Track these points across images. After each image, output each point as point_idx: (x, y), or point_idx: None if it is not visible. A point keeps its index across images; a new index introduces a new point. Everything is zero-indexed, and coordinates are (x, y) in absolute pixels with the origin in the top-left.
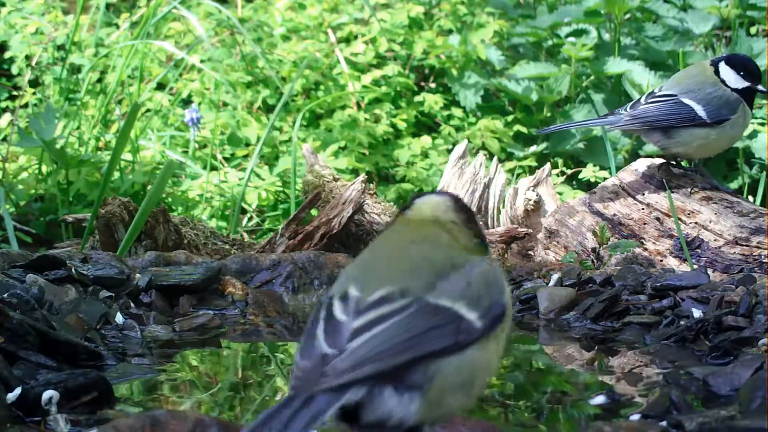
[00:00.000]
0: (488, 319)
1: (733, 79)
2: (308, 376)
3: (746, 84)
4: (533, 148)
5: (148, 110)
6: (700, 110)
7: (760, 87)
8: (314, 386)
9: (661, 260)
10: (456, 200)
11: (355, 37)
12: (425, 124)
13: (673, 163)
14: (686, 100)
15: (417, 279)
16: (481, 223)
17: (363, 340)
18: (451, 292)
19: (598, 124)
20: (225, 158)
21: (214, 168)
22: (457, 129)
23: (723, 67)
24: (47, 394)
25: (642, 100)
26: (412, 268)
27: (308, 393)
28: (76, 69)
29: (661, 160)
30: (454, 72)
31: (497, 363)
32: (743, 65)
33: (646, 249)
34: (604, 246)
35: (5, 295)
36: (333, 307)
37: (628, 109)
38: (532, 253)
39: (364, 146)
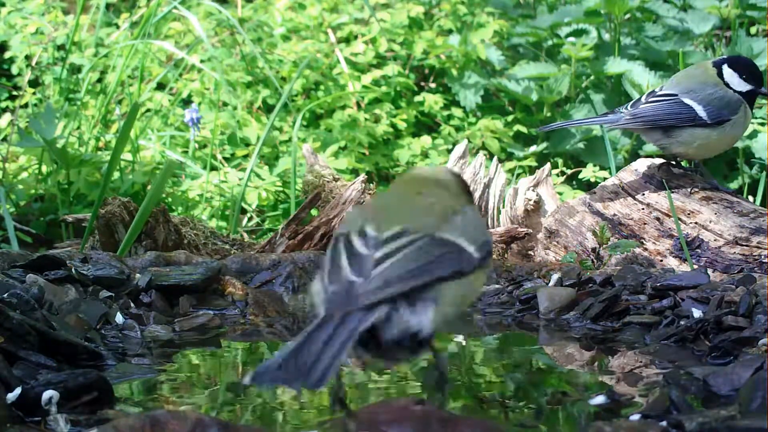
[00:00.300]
0: (483, 251)
1: (736, 81)
2: (340, 299)
3: (750, 87)
4: (533, 148)
5: (148, 110)
6: (700, 111)
7: (763, 90)
8: (348, 306)
9: (661, 260)
10: (452, 171)
11: (355, 37)
12: (425, 124)
13: (673, 163)
14: (687, 100)
15: (425, 219)
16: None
17: (386, 266)
18: (453, 230)
19: (598, 122)
20: (225, 158)
21: (214, 168)
22: (457, 129)
23: (726, 70)
24: (47, 394)
25: (643, 99)
26: (419, 211)
27: (343, 311)
28: (76, 69)
29: (661, 160)
30: (454, 72)
31: (483, 284)
32: (746, 68)
33: (646, 249)
34: (604, 246)
35: (5, 295)
36: (352, 242)
37: (629, 107)
38: (532, 253)
39: (364, 146)
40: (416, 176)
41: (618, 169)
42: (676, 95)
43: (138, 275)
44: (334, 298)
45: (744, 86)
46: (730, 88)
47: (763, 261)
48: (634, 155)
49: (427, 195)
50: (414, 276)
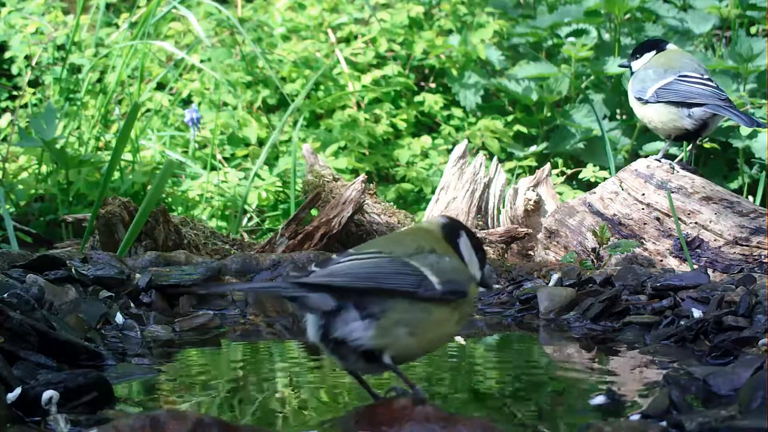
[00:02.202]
0: (447, 287)
1: None
2: (294, 276)
3: None
4: (533, 148)
5: (148, 110)
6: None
7: None
8: (296, 280)
9: (661, 260)
10: (445, 225)
11: (355, 37)
12: (425, 124)
13: (673, 162)
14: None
15: (398, 248)
16: (470, 251)
17: (341, 263)
18: (421, 261)
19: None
20: (225, 158)
21: (214, 168)
22: (457, 129)
23: None
24: (47, 394)
25: (708, 82)
26: (398, 243)
27: (289, 281)
28: (76, 69)
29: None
30: (454, 72)
31: (453, 329)
32: None
33: (646, 249)
34: (604, 246)
35: (5, 295)
36: (332, 257)
37: (719, 101)
38: (532, 253)
39: (364, 146)
40: (414, 225)
41: (618, 169)
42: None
43: (138, 275)
44: (289, 276)
45: None
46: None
47: (763, 261)
48: (634, 155)
49: (415, 237)
50: (362, 278)
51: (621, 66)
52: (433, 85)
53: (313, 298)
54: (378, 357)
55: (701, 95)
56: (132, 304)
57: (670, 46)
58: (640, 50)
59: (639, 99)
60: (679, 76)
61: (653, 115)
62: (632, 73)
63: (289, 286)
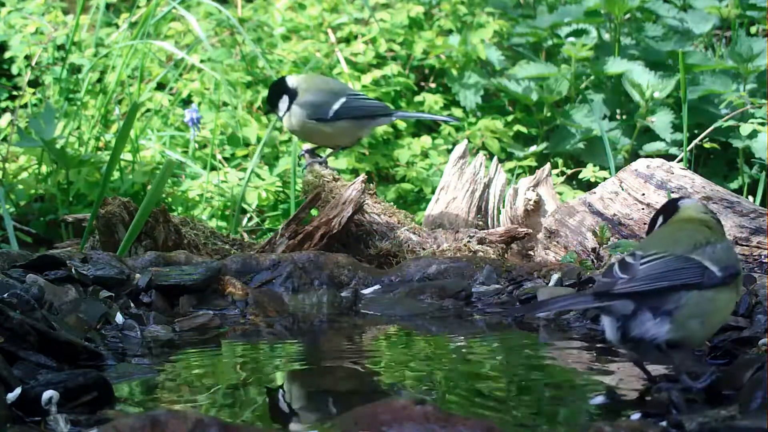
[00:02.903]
0: (726, 272)
1: None
2: (604, 287)
3: None
4: (533, 148)
5: (148, 110)
6: None
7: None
8: (608, 290)
9: None
10: (705, 205)
11: (355, 37)
12: (425, 124)
13: (671, 162)
14: None
15: (677, 246)
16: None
17: (641, 269)
18: (701, 254)
19: None
20: (225, 158)
21: (214, 168)
22: (457, 129)
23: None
24: (47, 394)
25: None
26: (675, 241)
27: (602, 292)
28: (76, 69)
29: (662, 161)
30: (454, 72)
31: (731, 305)
32: None
33: None
34: (604, 246)
35: (5, 295)
36: (625, 258)
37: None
38: (532, 253)
39: (364, 146)
40: (682, 217)
41: (618, 169)
42: None
43: (138, 275)
44: (601, 285)
45: None
46: None
47: (763, 261)
48: (634, 155)
49: (688, 230)
50: (657, 278)
51: (267, 113)
52: (433, 85)
53: (617, 305)
54: (659, 346)
55: (380, 107)
56: (132, 304)
57: (300, 77)
58: (274, 98)
59: (320, 119)
60: (348, 95)
61: (335, 131)
62: (280, 117)
63: (595, 300)
